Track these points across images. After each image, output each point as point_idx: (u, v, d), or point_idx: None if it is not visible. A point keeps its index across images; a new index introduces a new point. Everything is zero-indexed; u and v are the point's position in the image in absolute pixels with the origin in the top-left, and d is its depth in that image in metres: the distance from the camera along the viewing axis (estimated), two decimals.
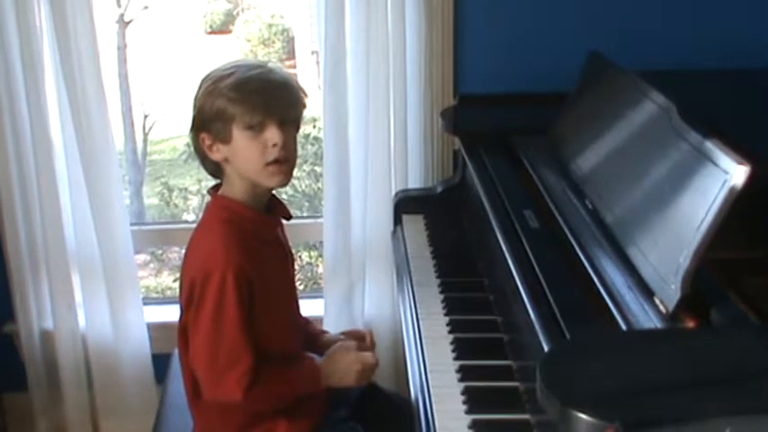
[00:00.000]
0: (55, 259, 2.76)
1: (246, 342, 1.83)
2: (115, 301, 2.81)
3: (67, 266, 2.78)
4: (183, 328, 1.92)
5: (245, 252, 1.83)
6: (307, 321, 2.23)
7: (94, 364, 2.90)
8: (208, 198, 1.98)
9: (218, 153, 1.87)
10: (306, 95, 1.93)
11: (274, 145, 1.84)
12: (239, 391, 1.82)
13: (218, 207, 1.91)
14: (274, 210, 1.99)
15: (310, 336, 2.19)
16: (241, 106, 1.82)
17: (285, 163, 1.87)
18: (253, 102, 1.82)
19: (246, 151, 1.84)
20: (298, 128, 1.94)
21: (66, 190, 2.74)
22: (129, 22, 5.60)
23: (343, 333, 2.23)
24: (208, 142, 1.87)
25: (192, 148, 1.97)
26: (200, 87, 1.88)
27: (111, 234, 2.75)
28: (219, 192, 1.94)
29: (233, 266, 1.80)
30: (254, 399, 1.85)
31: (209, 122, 1.85)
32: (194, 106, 1.89)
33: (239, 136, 1.84)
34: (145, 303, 2.93)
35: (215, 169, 1.93)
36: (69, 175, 2.72)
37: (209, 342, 1.83)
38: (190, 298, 1.85)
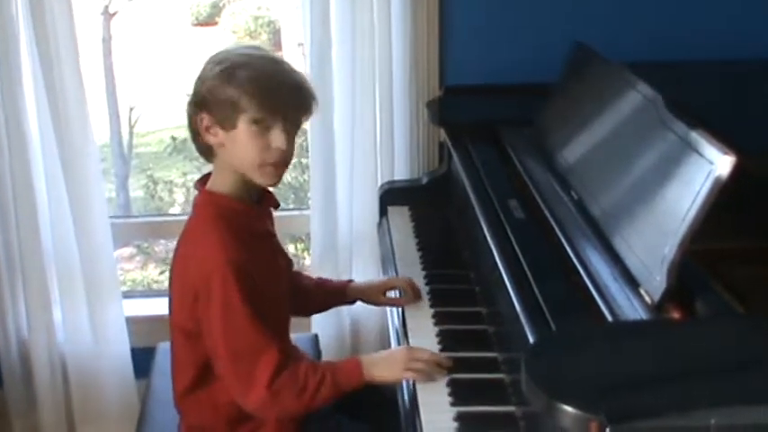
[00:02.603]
0: (30, 256, 2.71)
1: (264, 333, 1.78)
2: (93, 299, 2.76)
3: (43, 263, 2.73)
4: (178, 325, 1.90)
5: (240, 246, 1.80)
6: (324, 280, 2.26)
7: (71, 365, 2.85)
8: (195, 192, 1.95)
9: (214, 137, 1.83)
10: (316, 103, 1.90)
11: (276, 147, 1.82)
12: (266, 381, 1.77)
13: (207, 203, 1.88)
14: (263, 201, 1.97)
15: (335, 290, 2.22)
16: (257, 102, 1.78)
17: (282, 165, 1.86)
18: (269, 100, 1.79)
19: (247, 146, 1.80)
20: (298, 131, 1.92)
21: (43, 185, 2.69)
22: (113, 14, 5.55)
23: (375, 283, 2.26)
24: (206, 123, 1.82)
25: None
26: (211, 66, 1.82)
27: (90, 230, 2.71)
28: (208, 185, 1.91)
29: (231, 263, 1.76)
30: (279, 390, 1.78)
31: (214, 106, 1.80)
32: (200, 83, 1.82)
33: (244, 129, 1.80)
34: (130, 297, 2.91)
35: (206, 151, 1.89)
36: (46, 170, 2.67)
37: (228, 345, 1.79)
38: (195, 305, 1.81)
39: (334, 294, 2.24)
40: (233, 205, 1.86)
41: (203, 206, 1.89)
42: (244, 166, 1.84)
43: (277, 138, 1.81)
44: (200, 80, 1.84)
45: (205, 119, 1.82)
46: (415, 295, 2.16)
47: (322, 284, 2.25)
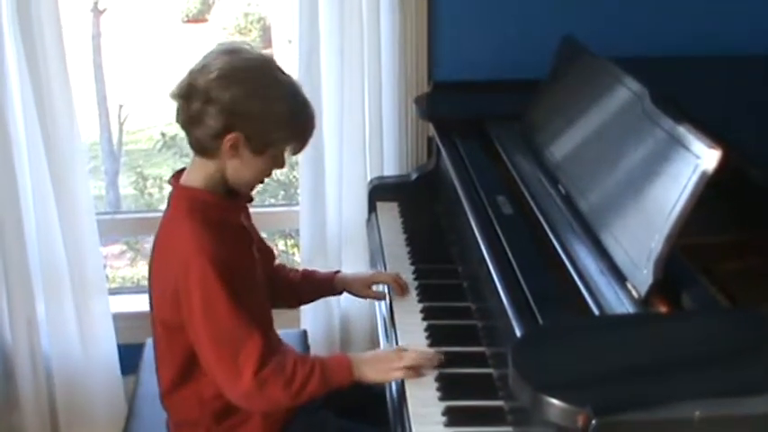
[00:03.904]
0: (13, 253, 2.66)
1: (246, 321, 1.78)
2: (80, 296, 2.74)
3: (27, 261, 2.68)
4: (160, 320, 1.89)
5: (215, 238, 1.81)
6: (311, 272, 2.27)
7: (57, 363, 2.81)
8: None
9: (233, 151, 1.81)
10: None
11: (279, 169, 1.91)
12: (250, 371, 1.76)
13: (182, 198, 1.88)
14: (236, 195, 1.97)
15: (322, 282, 2.24)
16: (298, 145, 1.89)
17: None
18: (305, 144, 1.91)
19: (259, 169, 1.87)
20: None
21: (28, 182, 2.65)
22: (103, 11, 5.54)
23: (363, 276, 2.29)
24: (234, 142, 1.79)
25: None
26: (255, 91, 1.79)
27: (76, 227, 2.68)
28: (182, 179, 1.91)
29: (207, 254, 1.77)
30: (266, 379, 1.77)
31: (258, 135, 1.80)
32: (243, 104, 1.78)
33: (268, 156, 1.85)
34: (118, 293, 2.89)
35: (207, 151, 1.85)
36: (32, 168, 2.64)
37: (210, 335, 1.78)
38: (175, 299, 1.81)
39: (320, 286, 2.26)
40: (206, 198, 1.87)
41: (178, 202, 1.89)
42: (242, 180, 1.88)
43: (283, 162, 1.90)
44: (235, 97, 1.78)
45: (239, 138, 1.80)
46: (402, 290, 2.17)
47: (309, 276, 2.25)
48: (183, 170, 1.93)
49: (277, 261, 2.22)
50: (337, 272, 2.29)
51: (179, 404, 1.97)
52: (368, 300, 2.34)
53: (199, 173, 1.88)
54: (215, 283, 1.76)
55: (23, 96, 2.58)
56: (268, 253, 2.14)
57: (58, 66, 2.54)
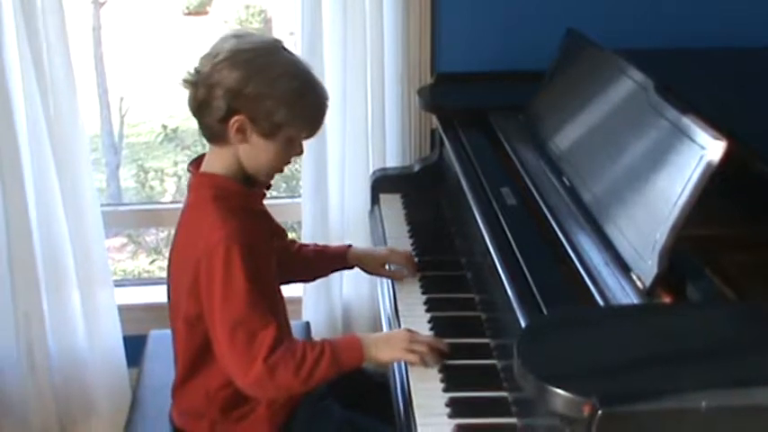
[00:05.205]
0: (18, 246, 2.66)
1: (263, 309, 1.77)
2: (85, 288, 2.74)
3: (32, 253, 2.67)
4: (180, 313, 1.89)
5: (240, 224, 1.80)
6: (323, 247, 2.29)
7: (62, 355, 2.81)
8: (186, 181, 1.94)
9: (242, 135, 1.81)
10: None
11: (296, 156, 1.90)
12: (263, 356, 1.75)
13: (204, 186, 1.88)
14: (254, 183, 1.97)
15: (335, 256, 2.25)
16: (308, 129, 1.88)
17: None
18: (318, 125, 1.90)
19: (276, 156, 1.86)
20: None
21: (31, 175, 2.64)
22: (103, 3, 5.52)
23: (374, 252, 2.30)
24: (240, 126, 1.80)
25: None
26: (255, 72, 1.78)
27: (81, 219, 2.68)
28: (202, 167, 1.90)
29: (234, 239, 1.76)
30: (276, 364, 1.75)
31: (262, 118, 1.80)
32: (243, 85, 1.77)
33: (280, 141, 1.83)
34: (120, 285, 2.89)
35: (217, 138, 1.85)
36: (36, 161, 2.62)
37: (226, 320, 1.77)
38: (196, 283, 1.80)
39: (334, 260, 2.27)
40: (229, 185, 1.86)
41: (200, 188, 1.89)
42: (257, 167, 1.87)
43: (300, 148, 1.89)
44: (241, 80, 1.78)
45: (245, 122, 1.80)
46: (415, 270, 2.21)
47: (322, 251, 2.26)
48: (201, 157, 1.93)
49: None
50: (349, 246, 2.29)
51: (186, 394, 1.97)
52: (370, 290, 2.33)
53: (217, 161, 1.88)
54: (238, 269, 1.76)
55: (27, 88, 2.57)
56: (280, 231, 2.14)
57: (61, 58, 2.54)
